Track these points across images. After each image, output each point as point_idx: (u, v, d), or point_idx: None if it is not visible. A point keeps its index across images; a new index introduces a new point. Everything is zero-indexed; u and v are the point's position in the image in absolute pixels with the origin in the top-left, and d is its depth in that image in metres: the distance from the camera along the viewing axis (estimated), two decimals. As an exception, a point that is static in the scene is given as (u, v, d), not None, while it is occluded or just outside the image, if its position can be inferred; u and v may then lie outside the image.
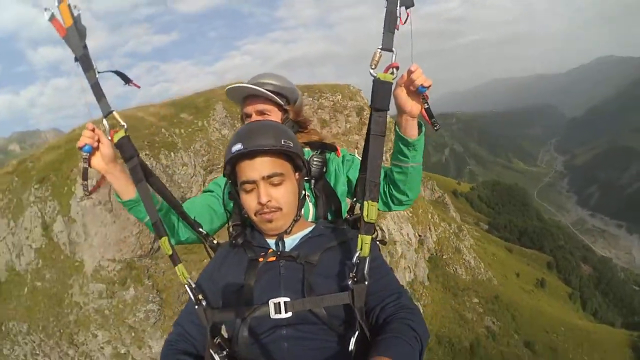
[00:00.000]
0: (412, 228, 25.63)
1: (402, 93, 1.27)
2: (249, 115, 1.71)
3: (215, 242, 1.54)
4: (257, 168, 1.23)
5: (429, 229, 28.55)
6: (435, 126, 1.33)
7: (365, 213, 1.11)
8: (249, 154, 1.22)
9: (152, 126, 13.70)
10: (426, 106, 1.28)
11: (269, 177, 1.23)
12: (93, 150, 1.31)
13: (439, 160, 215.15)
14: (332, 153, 1.72)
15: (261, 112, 1.68)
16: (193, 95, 16.81)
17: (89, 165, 1.32)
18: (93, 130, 1.30)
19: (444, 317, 24.67)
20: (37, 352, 11.53)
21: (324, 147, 1.72)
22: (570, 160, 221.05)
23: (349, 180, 1.69)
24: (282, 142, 1.24)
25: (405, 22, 1.12)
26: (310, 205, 1.57)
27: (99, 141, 1.31)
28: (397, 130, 1.40)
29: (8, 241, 12.56)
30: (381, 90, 1.12)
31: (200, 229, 1.51)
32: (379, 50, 1.09)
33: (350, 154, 1.75)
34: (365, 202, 1.12)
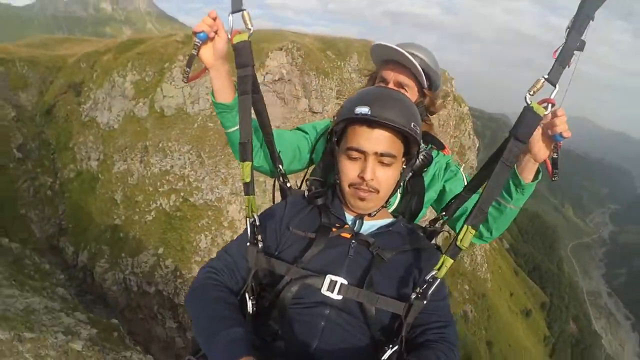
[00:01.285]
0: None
1: (537, 132, 1.19)
2: (385, 81, 1.62)
3: (288, 185, 1.50)
4: (375, 141, 1.16)
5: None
6: (554, 177, 1.25)
7: (460, 237, 1.07)
8: (372, 122, 1.15)
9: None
10: (555, 156, 1.22)
11: (382, 155, 1.17)
12: (207, 40, 1.23)
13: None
14: (440, 153, 1.66)
15: (400, 84, 1.59)
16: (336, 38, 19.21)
17: (198, 53, 1.24)
18: (214, 20, 1.22)
19: None
20: (186, 166, 14.72)
21: (435, 143, 1.66)
22: (617, 234, 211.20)
23: (442, 190, 1.62)
24: (412, 126, 1.17)
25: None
26: (398, 196, 1.54)
27: (216, 32, 1.23)
28: (514, 168, 1.32)
29: (185, 91, 15.53)
30: (529, 121, 1.08)
31: (280, 166, 1.47)
32: (543, 79, 1.05)
33: (455, 165, 1.67)
34: (465, 226, 1.07)
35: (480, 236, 1.55)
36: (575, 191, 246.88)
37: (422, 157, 1.51)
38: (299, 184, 1.63)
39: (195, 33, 1.22)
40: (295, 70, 15.22)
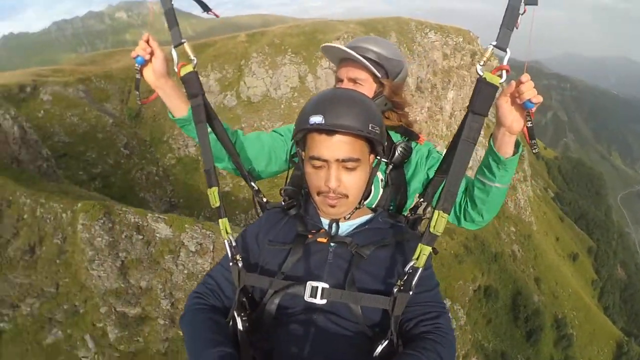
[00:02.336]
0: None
1: (505, 103, 1.18)
2: (340, 80, 1.68)
3: (264, 200, 1.54)
4: (333, 148, 1.17)
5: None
6: (534, 148, 1.20)
7: (433, 223, 1.05)
8: (328, 131, 1.15)
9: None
10: (529, 124, 1.18)
11: (344, 161, 1.18)
12: (145, 62, 1.32)
13: (538, 122, 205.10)
14: (416, 143, 1.68)
15: (354, 80, 1.65)
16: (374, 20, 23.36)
17: (141, 76, 1.34)
18: (147, 42, 1.30)
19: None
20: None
21: (408, 134, 1.67)
22: None
23: (427, 178, 1.63)
24: (369, 128, 1.17)
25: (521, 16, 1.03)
26: (380, 191, 1.57)
27: (152, 54, 1.31)
28: (491, 143, 1.30)
29: (266, 81, 20.55)
30: (484, 93, 1.05)
31: (253, 184, 1.51)
32: (492, 46, 1.03)
33: (437, 152, 1.68)
34: (435, 211, 1.06)
35: (472, 221, 1.54)
36: (622, 137, 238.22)
37: (400, 149, 1.55)
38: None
39: (133, 58, 1.30)
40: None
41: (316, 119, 1.15)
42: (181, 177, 22.44)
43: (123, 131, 22.43)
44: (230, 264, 1.21)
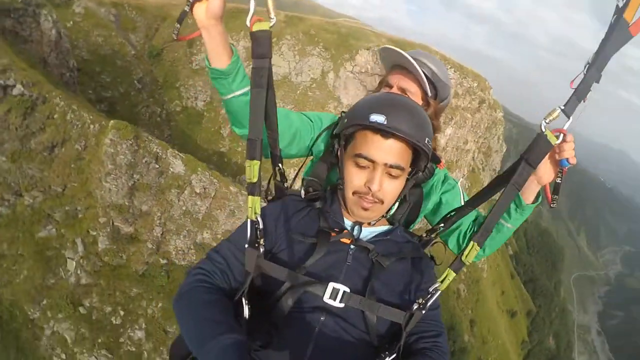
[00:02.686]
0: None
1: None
2: (389, 86, 1.67)
3: (285, 185, 1.46)
4: (386, 152, 1.17)
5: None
6: (553, 203, 1.32)
7: (466, 253, 1.12)
8: (387, 133, 1.15)
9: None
10: (558, 180, 1.29)
11: (392, 166, 1.19)
12: None
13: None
14: (436, 167, 1.67)
15: (403, 90, 1.64)
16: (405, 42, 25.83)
17: (191, 10, 1.19)
18: None
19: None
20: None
21: (433, 158, 1.60)
22: (624, 276, 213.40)
23: (439, 202, 1.69)
24: (425, 141, 1.19)
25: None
26: (396, 204, 1.52)
27: None
28: None
29: (291, 65, 21.61)
30: (540, 148, 1.12)
31: (280, 165, 1.42)
32: (559, 109, 1.09)
33: (453, 179, 1.73)
34: (472, 242, 1.12)
35: None
36: (595, 222, 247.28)
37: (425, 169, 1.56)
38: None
39: None
40: (376, 68, 20.72)
41: (378, 118, 1.14)
42: (182, 126, 23.40)
43: (141, 66, 23.18)
44: (247, 246, 1.13)
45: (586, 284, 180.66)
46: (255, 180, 1.10)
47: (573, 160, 1.23)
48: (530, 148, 1.13)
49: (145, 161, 10.10)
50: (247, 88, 1.30)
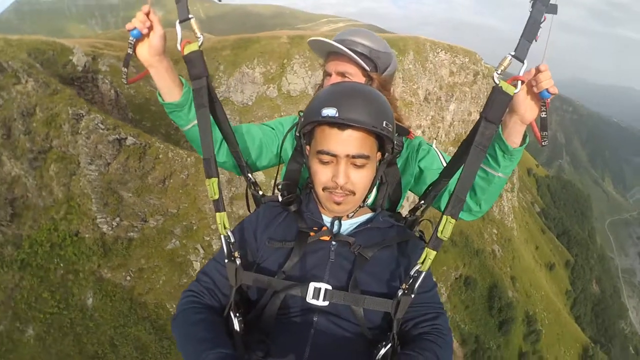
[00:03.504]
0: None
1: (521, 92, 1.18)
2: (328, 74, 1.70)
3: (260, 193, 1.51)
4: (345, 143, 1.17)
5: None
6: (544, 140, 1.23)
7: (440, 228, 1.07)
8: (341, 124, 1.15)
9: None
10: (543, 115, 1.20)
11: (354, 157, 1.18)
12: (142, 37, 1.23)
13: (535, 142, 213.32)
14: (407, 138, 1.68)
15: (342, 74, 1.66)
16: (395, 38, 28.53)
17: (134, 52, 1.24)
18: (147, 15, 1.21)
19: (466, 222, 36.21)
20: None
21: (399, 130, 1.59)
22: None
23: (419, 171, 1.64)
24: (383, 125, 1.17)
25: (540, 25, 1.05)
26: (374, 190, 1.52)
27: (150, 28, 1.22)
28: (500, 131, 1.30)
29: (306, 80, 24.62)
30: (498, 101, 1.08)
31: (250, 175, 1.49)
32: (510, 56, 1.05)
33: (427, 144, 1.69)
34: (444, 217, 1.07)
35: (469, 210, 1.55)
36: (618, 164, 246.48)
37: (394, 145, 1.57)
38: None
39: (128, 31, 1.21)
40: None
41: (329, 112, 1.14)
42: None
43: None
44: (226, 260, 1.17)
45: (622, 228, 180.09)
46: (217, 197, 1.16)
47: (553, 90, 1.14)
48: (487, 104, 1.08)
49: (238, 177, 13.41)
50: None
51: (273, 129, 1.71)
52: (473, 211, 1.57)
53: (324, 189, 1.25)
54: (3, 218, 11.92)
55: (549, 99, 1.17)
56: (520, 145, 1.31)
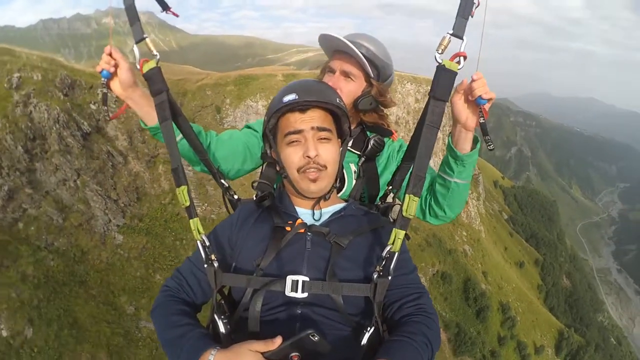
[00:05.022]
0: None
1: (459, 101, 1.28)
2: (332, 71, 1.73)
3: (235, 197, 1.58)
4: (307, 120, 1.30)
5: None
6: (489, 145, 1.28)
7: (405, 207, 1.11)
8: (302, 106, 1.29)
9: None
10: (481, 120, 1.26)
11: (319, 129, 1.29)
12: (112, 75, 1.34)
13: (502, 156, 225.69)
14: (389, 139, 1.78)
15: (346, 74, 1.70)
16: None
17: (109, 89, 1.36)
18: (110, 55, 1.32)
19: (437, 226, 39.75)
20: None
21: (383, 131, 1.75)
22: (627, 212, 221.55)
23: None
24: (337, 101, 1.31)
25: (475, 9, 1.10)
26: (353, 182, 1.67)
27: (116, 65, 1.33)
28: (449, 140, 1.40)
29: None
30: (444, 79, 1.13)
31: (223, 181, 1.55)
32: (449, 35, 1.10)
33: (407, 144, 1.70)
34: (406, 196, 1.11)
35: (436, 215, 1.63)
36: (584, 171, 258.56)
37: (373, 142, 1.68)
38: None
39: (99, 72, 1.34)
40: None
41: (290, 97, 1.28)
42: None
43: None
44: (205, 265, 1.21)
45: (593, 230, 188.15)
46: (188, 203, 1.21)
47: (488, 95, 1.21)
48: (433, 83, 1.13)
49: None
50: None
51: (257, 130, 1.75)
52: (439, 216, 1.64)
53: (298, 170, 1.33)
54: (132, 199, 18.63)
55: (485, 105, 1.23)
56: (471, 151, 1.39)
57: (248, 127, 1.80)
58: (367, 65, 1.66)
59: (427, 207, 1.65)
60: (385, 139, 1.77)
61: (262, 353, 1.02)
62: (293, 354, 1.00)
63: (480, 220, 51.30)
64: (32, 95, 16.32)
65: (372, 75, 1.70)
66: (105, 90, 1.38)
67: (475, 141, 1.40)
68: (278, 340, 1.01)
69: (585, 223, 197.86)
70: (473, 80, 1.23)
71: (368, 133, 1.78)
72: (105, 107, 1.43)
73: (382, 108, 1.82)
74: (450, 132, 1.41)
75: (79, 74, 18.86)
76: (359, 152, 1.70)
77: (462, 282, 41.19)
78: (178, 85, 25.89)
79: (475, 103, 1.26)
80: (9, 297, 12.55)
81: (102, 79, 1.36)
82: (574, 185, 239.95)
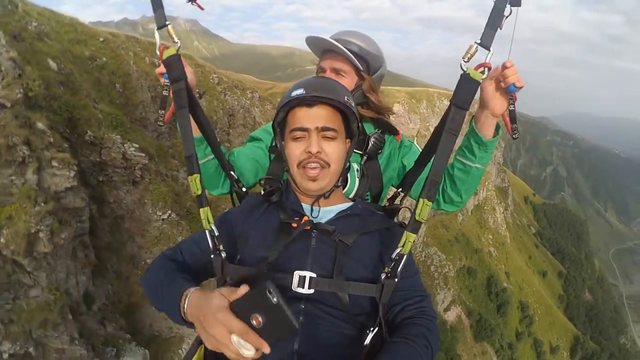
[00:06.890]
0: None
1: (490, 87, 1.28)
2: (323, 70, 1.79)
3: (244, 189, 1.61)
4: (314, 117, 1.29)
5: (483, 186, 48.98)
6: (515, 133, 1.29)
7: (418, 211, 1.12)
8: (309, 101, 1.28)
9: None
10: (511, 108, 1.28)
11: (324, 129, 1.28)
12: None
13: (538, 175, 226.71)
14: (392, 136, 1.81)
15: (336, 71, 1.75)
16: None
17: (170, 92, 1.33)
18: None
19: (467, 226, 45.16)
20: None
21: (385, 127, 1.79)
22: None
23: (402, 167, 1.77)
24: (345, 99, 1.30)
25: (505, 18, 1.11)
26: (356, 181, 1.67)
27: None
28: (473, 124, 1.41)
29: None
30: (466, 88, 1.15)
31: (232, 172, 1.59)
32: (476, 44, 1.11)
33: (408, 140, 1.82)
34: (420, 200, 1.13)
35: (451, 201, 1.66)
36: (621, 195, 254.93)
37: (373, 140, 1.69)
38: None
39: (161, 74, 1.37)
40: (402, 111, 37.75)
41: (298, 92, 1.28)
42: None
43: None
44: (212, 256, 1.23)
45: (626, 256, 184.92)
46: (199, 192, 1.22)
47: (520, 83, 1.23)
48: (456, 91, 1.15)
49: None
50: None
51: (260, 139, 1.82)
52: (455, 202, 1.66)
53: (298, 165, 1.32)
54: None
55: (516, 93, 1.24)
56: (494, 137, 1.41)
57: (252, 138, 1.87)
58: (354, 59, 1.72)
59: (442, 195, 1.67)
60: (386, 136, 1.80)
61: (230, 301, 0.95)
62: (254, 315, 0.88)
63: (506, 227, 56.32)
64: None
65: (361, 68, 1.75)
66: (166, 93, 1.38)
67: (497, 127, 1.42)
68: (242, 290, 0.94)
69: (618, 248, 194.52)
70: (506, 67, 1.23)
71: (368, 130, 1.80)
72: (163, 112, 1.46)
73: (377, 105, 1.85)
74: (472, 117, 1.43)
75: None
76: (360, 152, 1.73)
77: (485, 278, 46.36)
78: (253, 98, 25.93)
79: (505, 90, 1.27)
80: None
81: (165, 81, 1.37)
82: (609, 209, 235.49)
